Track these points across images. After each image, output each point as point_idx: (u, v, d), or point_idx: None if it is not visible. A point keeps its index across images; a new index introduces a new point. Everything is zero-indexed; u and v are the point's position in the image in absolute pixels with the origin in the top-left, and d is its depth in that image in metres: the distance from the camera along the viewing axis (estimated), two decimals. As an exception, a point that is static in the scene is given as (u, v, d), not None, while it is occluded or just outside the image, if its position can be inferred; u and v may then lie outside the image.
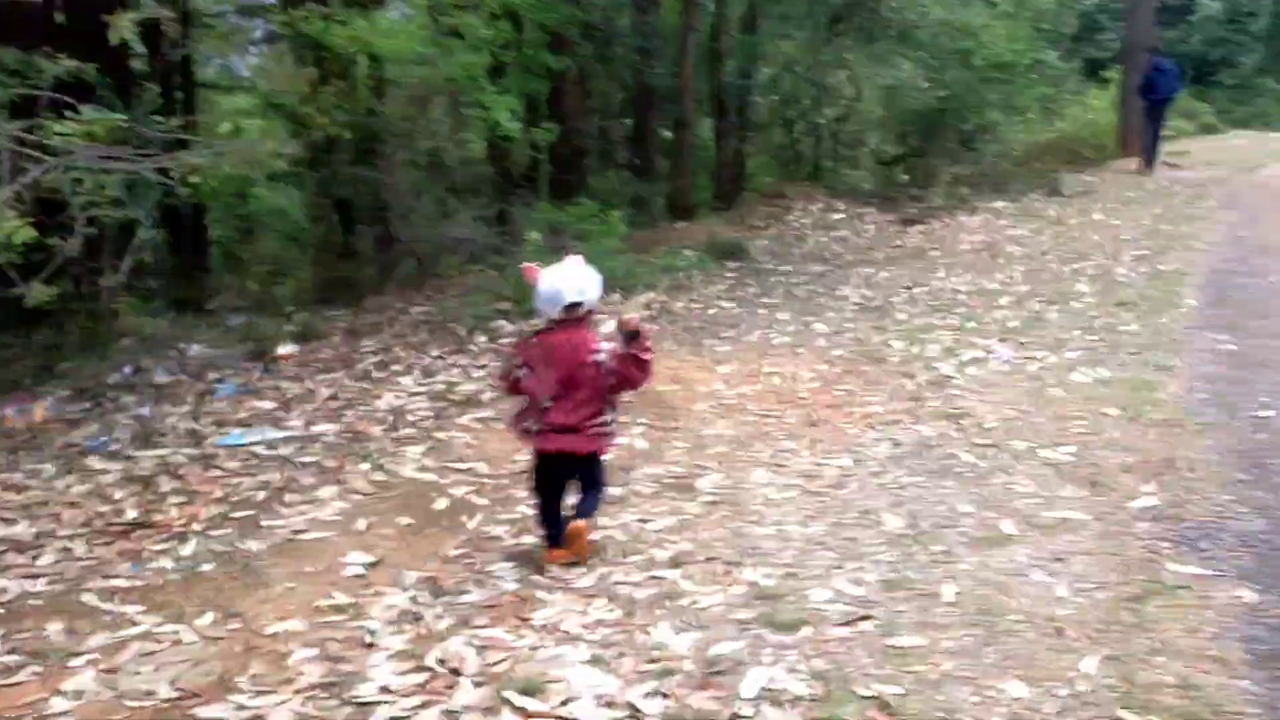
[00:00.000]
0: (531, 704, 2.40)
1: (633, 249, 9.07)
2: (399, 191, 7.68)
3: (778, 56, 13.50)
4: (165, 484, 3.96)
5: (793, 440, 4.25)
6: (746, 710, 2.33)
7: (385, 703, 2.46)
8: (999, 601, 2.79)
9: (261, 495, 3.86)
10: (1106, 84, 18.25)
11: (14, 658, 2.73)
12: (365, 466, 4.10)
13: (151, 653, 2.74)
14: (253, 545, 3.45)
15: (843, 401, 4.69)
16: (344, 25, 5.12)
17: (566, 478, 3.21)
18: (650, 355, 3.04)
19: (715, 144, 12.74)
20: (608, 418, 3.11)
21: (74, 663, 2.69)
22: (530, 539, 3.45)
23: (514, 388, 3.20)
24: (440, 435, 4.42)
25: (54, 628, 2.89)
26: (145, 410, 4.99)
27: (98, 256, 5.62)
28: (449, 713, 2.41)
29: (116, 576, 3.24)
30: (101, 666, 2.67)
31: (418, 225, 6.99)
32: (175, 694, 2.53)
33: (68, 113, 3.93)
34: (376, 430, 4.51)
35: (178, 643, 2.79)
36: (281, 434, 4.46)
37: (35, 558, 3.40)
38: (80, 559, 3.39)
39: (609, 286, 6.76)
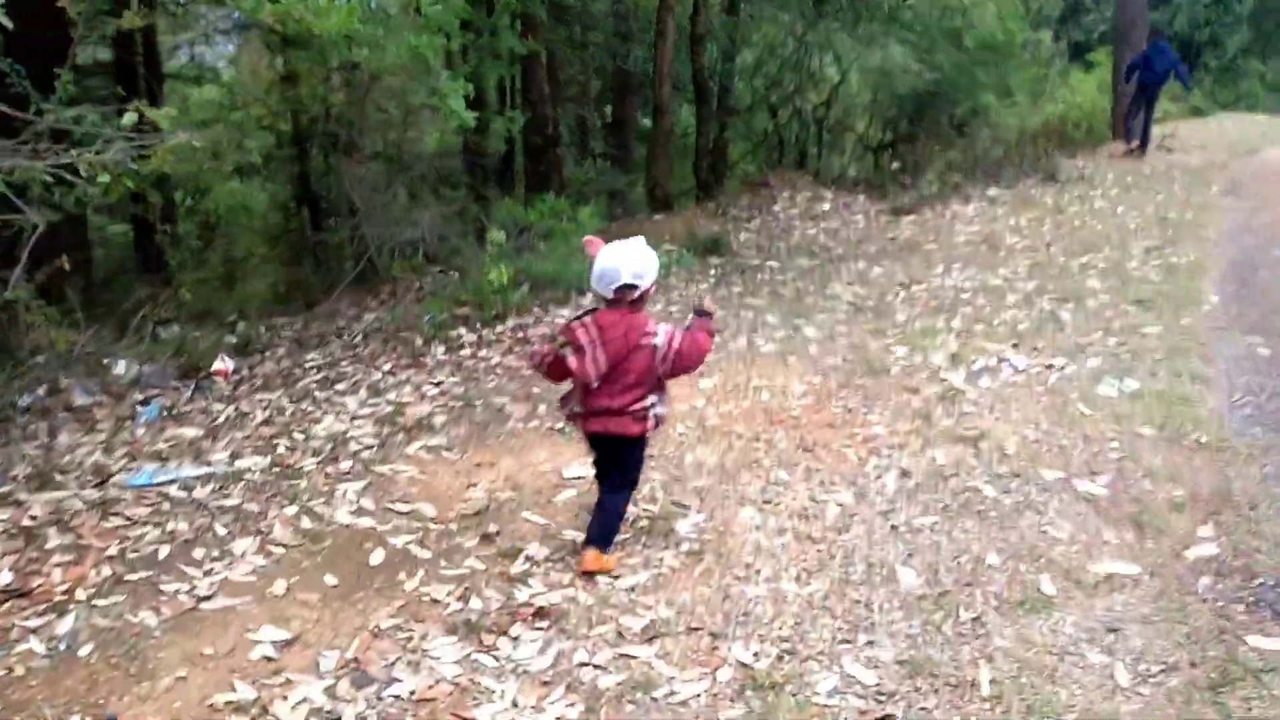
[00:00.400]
0: None
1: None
2: (365, 186, 7.09)
3: (760, 39, 12.94)
4: (53, 538, 3.37)
5: (785, 470, 3.71)
6: None
7: None
8: (1048, 694, 2.27)
9: (166, 550, 3.28)
10: (1092, 67, 17.82)
11: None
12: (292, 510, 3.52)
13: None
14: (146, 618, 2.88)
15: (841, 421, 4.16)
16: (276, 2, 4.52)
17: (609, 460, 3.10)
18: (711, 341, 3.00)
19: (696, 131, 12.16)
20: (651, 400, 2.97)
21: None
22: (477, 603, 2.90)
23: (553, 369, 3.01)
24: (383, 469, 3.85)
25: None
26: (63, 437, 4.40)
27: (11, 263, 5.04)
28: None
29: (-31, 666, 2.66)
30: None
31: (378, 222, 6.38)
32: None
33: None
34: (310, 463, 3.93)
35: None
36: (200, 471, 3.88)
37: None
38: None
39: (578, 289, 6.24)
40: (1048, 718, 2.18)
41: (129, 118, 4.05)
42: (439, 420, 4.30)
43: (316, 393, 4.76)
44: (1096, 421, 3.96)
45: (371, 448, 4.07)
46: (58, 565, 3.18)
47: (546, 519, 3.43)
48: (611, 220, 10.65)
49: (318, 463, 3.93)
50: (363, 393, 4.73)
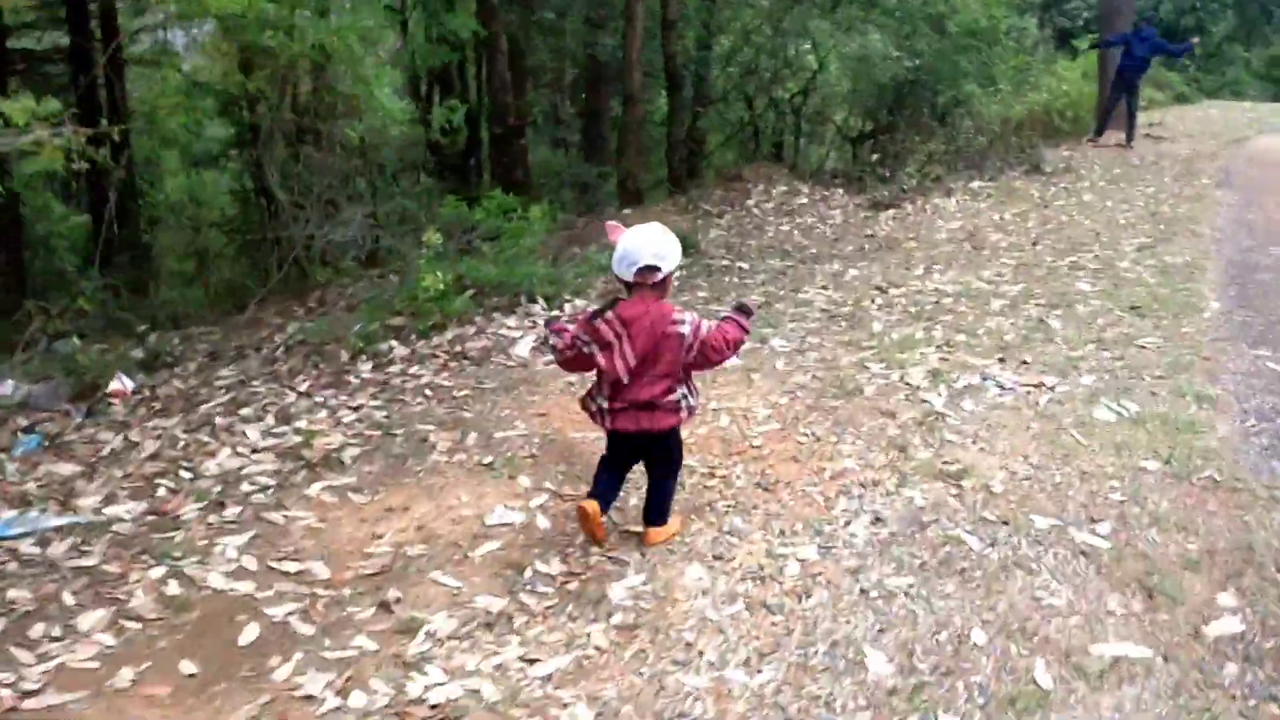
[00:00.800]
0: None
1: (570, 243, 8.00)
2: (323, 178, 6.52)
3: (737, 25, 12.39)
4: None
5: (741, 516, 3.21)
6: None
7: None
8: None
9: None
10: (1077, 54, 17.38)
11: None
12: (159, 572, 2.99)
13: None
14: (-51, 723, 2.35)
15: (807, 452, 3.66)
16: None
17: (640, 457, 3.03)
18: (743, 337, 2.91)
19: (668, 121, 11.62)
20: (683, 392, 2.89)
21: None
22: (359, 698, 2.39)
23: (574, 363, 2.94)
24: (274, 517, 3.32)
25: None
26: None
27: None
28: None
29: None
30: None
31: (314, 221, 5.82)
32: None
33: None
34: (192, 510, 3.40)
35: None
36: (62, 520, 3.34)
37: None
38: None
39: (529, 295, 5.71)
40: None
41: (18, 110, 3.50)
42: (351, 453, 3.78)
43: (218, 419, 4.22)
44: (1093, 454, 3.49)
45: (267, 489, 3.54)
46: None
47: (459, 581, 2.92)
48: (579, 215, 10.13)
49: (200, 509, 3.39)
50: (270, 419, 4.19)
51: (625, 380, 2.80)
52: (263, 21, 4.26)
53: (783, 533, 3.09)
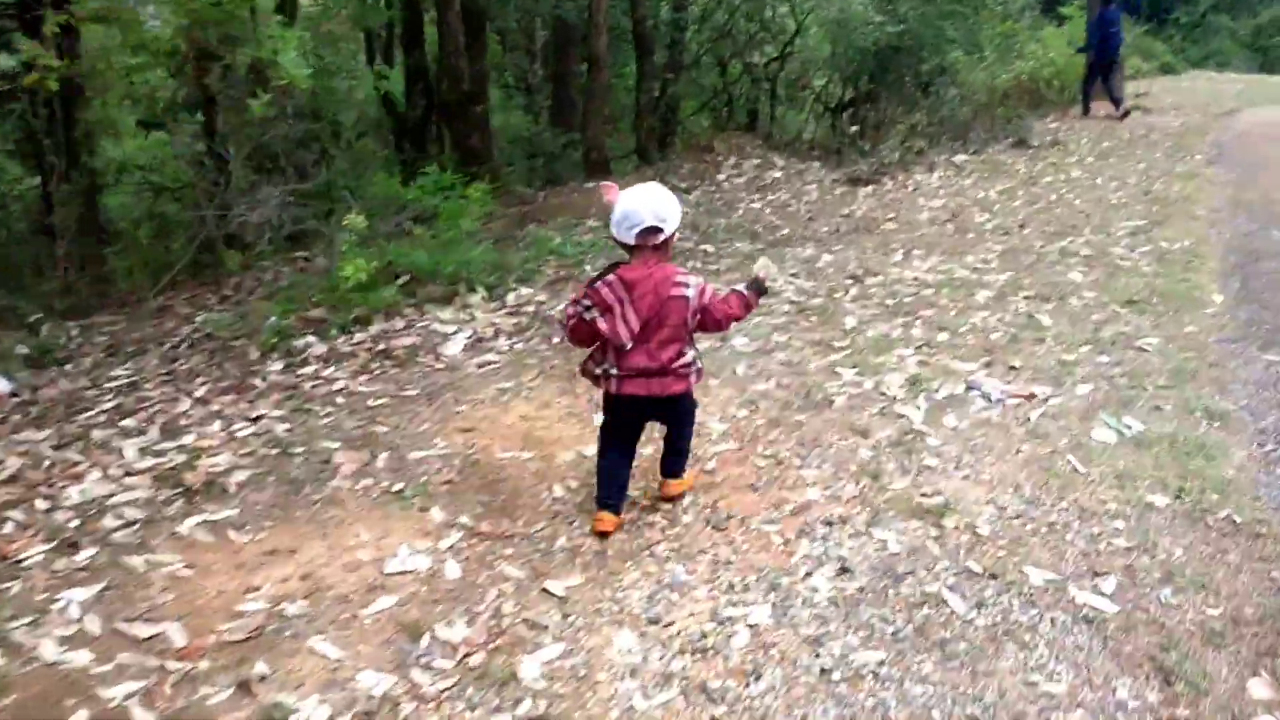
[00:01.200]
0: None
1: (528, 219, 7.43)
2: (271, 146, 5.89)
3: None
4: None
5: (685, 562, 2.74)
6: None
7: None
8: None
9: None
10: (1065, 21, 16.83)
11: None
12: (-21, 639, 2.48)
13: None
14: None
15: (766, 479, 3.19)
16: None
17: (647, 421, 2.97)
18: (745, 311, 2.85)
19: (636, 88, 10.99)
20: (692, 355, 2.81)
21: None
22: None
23: (578, 332, 2.80)
24: (134, 563, 2.80)
25: None
26: None
27: None
28: None
29: None
30: None
31: (230, 198, 5.22)
32: None
33: None
34: (38, 553, 2.87)
35: None
36: (-122, 566, 2.80)
37: None
38: None
39: (467, 283, 5.17)
40: None
41: None
42: (238, 478, 3.26)
43: (95, 432, 3.68)
44: (1093, 485, 3.04)
45: (133, 524, 3.01)
46: None
47: (342, 650, 2.43)
48: (538, 190, 9.53)
49: (48, 551, 2.87)
50: (154, 432, 3.65)
51: (628, 345, 2.72)
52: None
53: (732, 587, 2.62)
